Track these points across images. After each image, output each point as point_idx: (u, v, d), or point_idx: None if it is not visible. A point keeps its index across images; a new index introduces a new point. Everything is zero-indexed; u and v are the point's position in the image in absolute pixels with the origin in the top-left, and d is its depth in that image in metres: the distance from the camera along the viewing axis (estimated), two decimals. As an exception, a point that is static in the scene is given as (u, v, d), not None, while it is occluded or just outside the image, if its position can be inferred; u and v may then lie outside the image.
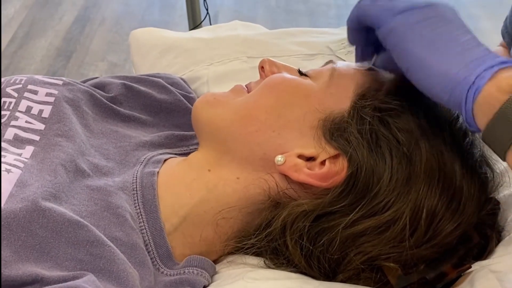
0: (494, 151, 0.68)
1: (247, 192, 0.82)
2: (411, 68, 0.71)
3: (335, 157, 0.79)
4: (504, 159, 0.66)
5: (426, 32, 0.70)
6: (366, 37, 0.79)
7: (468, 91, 0.66)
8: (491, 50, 0.68)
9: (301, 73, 0.88)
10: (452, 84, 0.67)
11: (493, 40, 1.37)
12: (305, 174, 0.79)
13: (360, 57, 0.84)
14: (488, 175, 0.83)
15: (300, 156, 0.80)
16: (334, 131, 0.80)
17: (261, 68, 0.90)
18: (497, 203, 0.84)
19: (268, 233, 0.80)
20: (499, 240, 0.83)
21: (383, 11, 0.73)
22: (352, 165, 0.78)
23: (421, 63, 0.70)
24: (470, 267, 0.78)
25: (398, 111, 0.79)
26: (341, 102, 0.81)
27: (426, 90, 0.71)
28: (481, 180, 0.81)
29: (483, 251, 0.81)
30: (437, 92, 0.69)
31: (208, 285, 0.80)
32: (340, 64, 0.87)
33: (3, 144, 0.84)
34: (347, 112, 0.80)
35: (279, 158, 0.80)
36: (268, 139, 0.82)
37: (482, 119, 0.66)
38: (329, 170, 0.79)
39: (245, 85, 0.91)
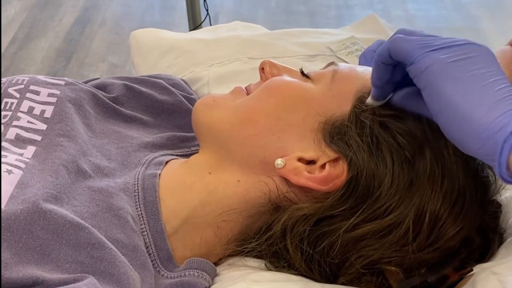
0: None
1: (248, 195, 0.82)
2: (441, 112, 0.67)
3: (335, 160, 0.79)
4: None
5: (462, 74, 0.66)
6: (391, 74, 0.74)
7: (504, 142, 0.62)
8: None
9: (303, 74, 0.87)
10: (486, 133, 0.63)
11: (493, 41, 1.38)
12: (305, 177, 0.79)
13: (376, 96, 0.78)
14: (490, 178, 0.83)
15: (300, 160, 0.80)
16: (334, 134, 0.80)
17: (262, 69, 0.90)
18: (499, 205, 0.84)
19: (268, 237, 0.80)
20: (501, 242, 0.83)
21: (418, 46, 0.69)
22: (353, 168, 0.78)
23: (453, 108, 0.65)
24: (472, 270, 0.77)
25: (399, 115, 0.78)
26: (342, 105, 0.81)
27: (455, 137, 0.67)
28: (483, 183, 0.81)
29: (485, 254, 0.81)
30: (467, 140, 0.65)
31: (208, 287, 0.80)
32: (342, 66, 0.86)
33: (4, 144, 0.84)
34: (347, 115, 0.80)
35: (279, 162, 0.80)
36: (268, 142, 0.82)
37: None
38: (329, 173, 0.79)
39: (245, 87, 0.90)
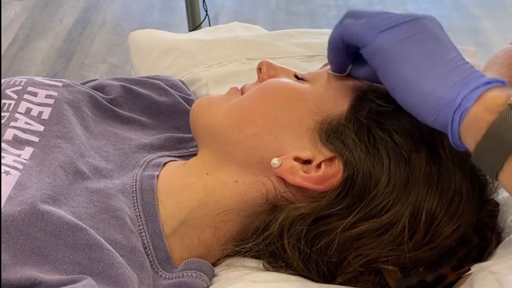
0: (486, 172, 0.69)
1: (245, 195, 0.82)
2: (396, 89, 0.71)
3: (331, 159, 0.79)
4: (496, 179, 0.66)
5: (411, 51, 0.70)
6: (346, 54, 0.79)
7: (454, 113, 0.66)
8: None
9: (297, 78, 0.88)
10: (438, 107, 0.67)
11: (493, 40, 1.38)
12: (300, 177, 0.79)
13: (335, 70, 0.83)
14: (487, 176, 0.83)
15: (296, 159, 0.80)
16: (330, 133, 0.80)
17: (259, 70, 0.90)
18: (496, 204, 0.84)
19: (265, 237, 0.80)
20: (498, 241, 0.83)
21: (367, 29, 0.72)
22: (348, 168, 0.78)
23: (407, 84, 0.70)
24: (470, 269, 0.77)
25: (396, 114, 0.79)
26: (339, 104, 0.81)
27: (412, 110, 0.71)
28: (480, 181, 0.81)
29: (483, 253, 0.81)
30: (422, 113, 0.69)
31: (207, 288, 0.80)
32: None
33: (2, 145, 0.84)
34: (344, 114, 0.80)
35: (275, 161, 0.80)
36: (265, 142, 0.82)
37: (470, 140, 0.66)
38: (325, 173, 0.79)
39: (240, 88, 0.90)
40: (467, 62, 0.69)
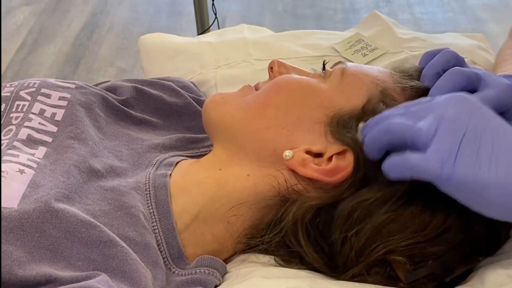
0: None
1: (257, 189, 0.82)
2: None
3: (342, 153, 0.80)
4: None
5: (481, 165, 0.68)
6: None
7: None
8: None
9: (323, 67, 0.89)
10: None
11: (500, 43, 1.39)
12: (312, 169, 0.80)
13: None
14: None
15: (308, 152, 0.81)
16: (342, 127, 0.81)
17: (270, 68, 0.91)
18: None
19: (279, 229, 0.80)
20: (509, 236, 0.83)
21: (436, 165, 0.69)
22: (359, 160, 0.78)
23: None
24: (479, 261, 0.78)
25: None
26: (351, 100, 0.82)
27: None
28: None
29: (493, 247, 0.81)
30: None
31: (219, 285, 0.80)
32: (349, 64, 0.88)
33: (16, 144, 0.85)
34: (357, 111, 0.81)
35: (287, 153, 0.81)
36: (277, 135, 0.83)
37: None
38: (336, 165, 0.79)
39: (254, 86, 0.92)
40: None
